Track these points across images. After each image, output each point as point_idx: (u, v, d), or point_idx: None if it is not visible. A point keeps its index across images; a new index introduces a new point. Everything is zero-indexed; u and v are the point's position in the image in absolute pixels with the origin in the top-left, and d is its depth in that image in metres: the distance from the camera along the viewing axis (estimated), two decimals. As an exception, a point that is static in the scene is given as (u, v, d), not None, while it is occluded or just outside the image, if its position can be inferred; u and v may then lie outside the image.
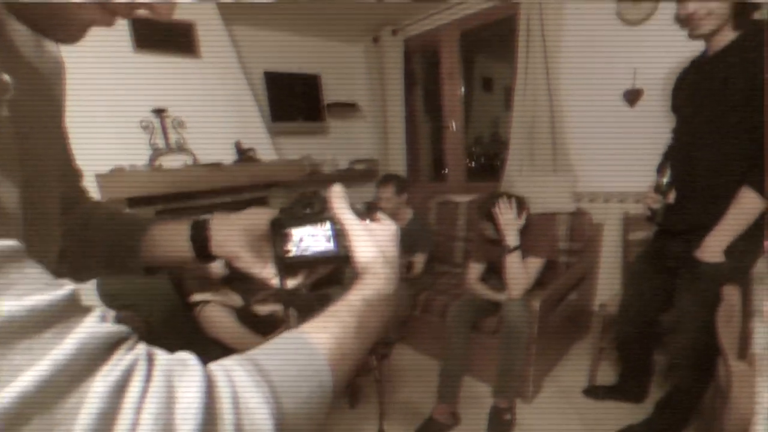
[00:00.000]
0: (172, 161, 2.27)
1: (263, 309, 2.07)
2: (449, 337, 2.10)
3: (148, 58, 2.25)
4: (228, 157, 2.52)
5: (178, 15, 2.32)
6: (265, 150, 2.68)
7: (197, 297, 1.65)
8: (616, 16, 2.31)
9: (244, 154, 2.54)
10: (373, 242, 0.47)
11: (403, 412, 2.03)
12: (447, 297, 2.38)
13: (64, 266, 0.53)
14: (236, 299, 1.88)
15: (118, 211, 0.62)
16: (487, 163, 3.81)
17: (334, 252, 0.48)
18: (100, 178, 2.02)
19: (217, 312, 1.62)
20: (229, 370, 0.29)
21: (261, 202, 2.69)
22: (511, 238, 1.95)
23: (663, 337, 1.90)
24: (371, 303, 0.43)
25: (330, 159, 3.29)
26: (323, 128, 3.44)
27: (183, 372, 0.26)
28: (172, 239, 0.56)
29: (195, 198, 2.37)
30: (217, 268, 1.72)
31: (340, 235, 0.48)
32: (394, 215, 2.57)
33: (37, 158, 0.37)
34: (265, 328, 1.88)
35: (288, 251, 0.49)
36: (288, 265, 0.51)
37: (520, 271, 1.94)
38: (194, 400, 0.25)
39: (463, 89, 3.21)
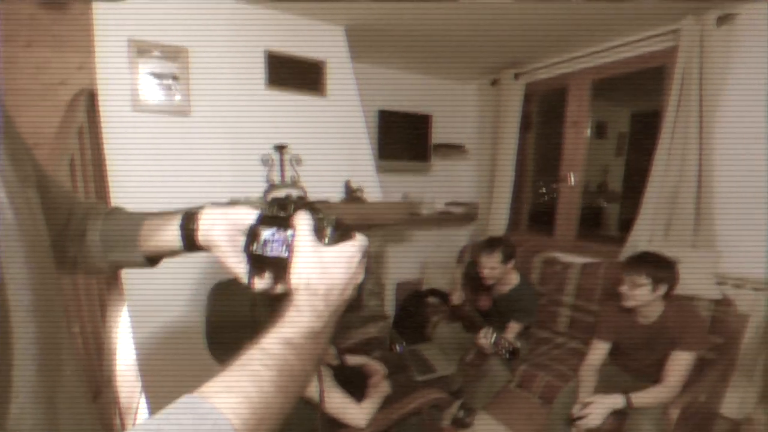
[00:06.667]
0: (283, 196, 2.31)
1: (352, 360, 1.99)
2: (551, 429, 1.86)
3: (277, 95, 2.33)
4: (337, 194, 2.53)
5: (312, 53, 2.41)
6: (373, 190, 2.66)
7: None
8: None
9: (352, 194, 2.53)
10: (308, 265, 0.44)
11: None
12: (552, 375, 2.13)
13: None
14: (331, 354, 1.82)
15: (116, 208, 0.65)
16: (591, 215, 3.47)
17: (285, 259, 0.46)
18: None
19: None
20: None
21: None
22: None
23: None
24: (294, 344, 0.38)
25: (428, 201, 3.20)
26: (427, 168, 3.36)
27: None
28: (164, 230, 0.57)
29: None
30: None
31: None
32: (498, 281, 2.35)
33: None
34: (357, 385, 1.80)
35: (252, 249, 0.49)
36: (255, 264, 0.50)
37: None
38: None
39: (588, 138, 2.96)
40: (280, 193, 2.27)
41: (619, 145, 4.11)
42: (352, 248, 0.46)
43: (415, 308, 2.93)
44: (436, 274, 3.22)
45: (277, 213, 0.49)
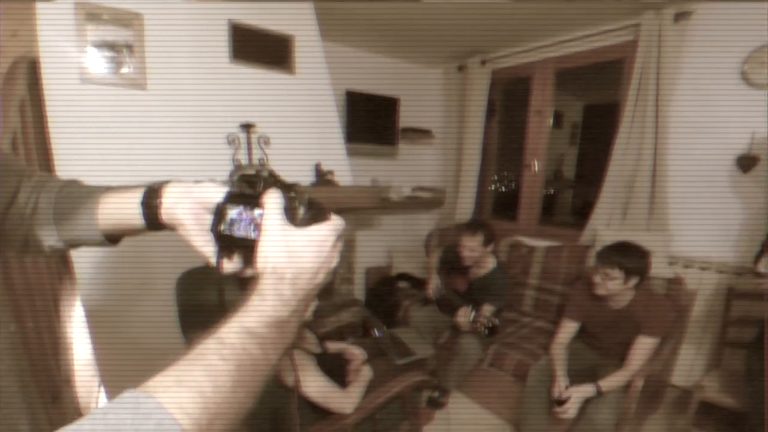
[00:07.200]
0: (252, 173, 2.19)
1: (332, 346, 1.94)
2: (526, 404, 1.93)
3: (243, 70, 2.19)
4: (307, 177, 2.44)
5: (280, 27, 2.28)
6: (343, 173, 2.59)
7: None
8: (740, 76, 2.13)
9: (323, 177, 2.45)
10: (274, 248, 0.41)
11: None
12: (522, 354, 2.21)
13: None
14: (313, 341, 1.76)
15: (72, 181, 0.58)
16: (548, 201, 3.64)
17: (253, 240, 0.43)
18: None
19: (299, 360, 1.50)
20: None
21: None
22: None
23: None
24: (256, 333, 0.35)
25: (396, 186, 3.18)
26: (394, 152, 3.33)
27: None
28: (124, 205, 0.52)
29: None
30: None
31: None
32: (476, 263, 2.38)
33: None
34: (339, 371, 1.76)
35: (220, 229, 0.46)
36: (224, 245, 0.47)
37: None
38: None
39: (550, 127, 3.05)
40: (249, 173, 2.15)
41: (572, 134, 4.31)
42: (325, 230, 0.43)
43: (386, 293, 2.92)
44: (403, 259, 3.23)
45: (246, 190, 0.46)
